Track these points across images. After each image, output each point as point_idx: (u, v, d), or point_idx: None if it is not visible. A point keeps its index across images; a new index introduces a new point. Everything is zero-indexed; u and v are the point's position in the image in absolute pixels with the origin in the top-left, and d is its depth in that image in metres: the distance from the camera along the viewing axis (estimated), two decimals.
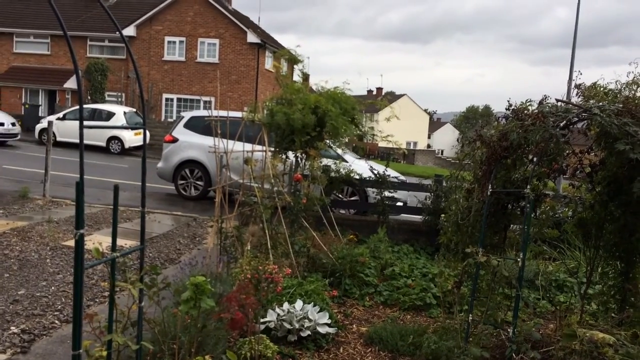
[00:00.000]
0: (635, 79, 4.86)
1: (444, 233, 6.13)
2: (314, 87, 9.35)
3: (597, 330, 4.33)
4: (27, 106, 27.39)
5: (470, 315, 4.63)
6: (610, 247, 5.21)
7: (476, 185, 5.58)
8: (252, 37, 29.51)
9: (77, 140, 2.15)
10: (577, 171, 5.88)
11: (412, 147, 59.35)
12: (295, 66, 8.97)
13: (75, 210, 2.05)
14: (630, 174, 4.70)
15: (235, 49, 29.95)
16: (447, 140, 78.43)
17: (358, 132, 8.73)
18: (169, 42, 30.49)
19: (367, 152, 30.82)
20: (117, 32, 3.51)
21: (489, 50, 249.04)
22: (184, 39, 30.30)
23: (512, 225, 6.10)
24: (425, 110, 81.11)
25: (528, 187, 4.81)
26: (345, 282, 6.14)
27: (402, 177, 11.34)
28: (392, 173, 9.60)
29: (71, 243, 7.14)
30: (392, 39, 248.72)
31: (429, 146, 71.64)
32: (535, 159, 5.09)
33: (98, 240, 7.40)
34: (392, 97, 70.09)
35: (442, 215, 7.07)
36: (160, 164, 12.19)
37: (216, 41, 30.10)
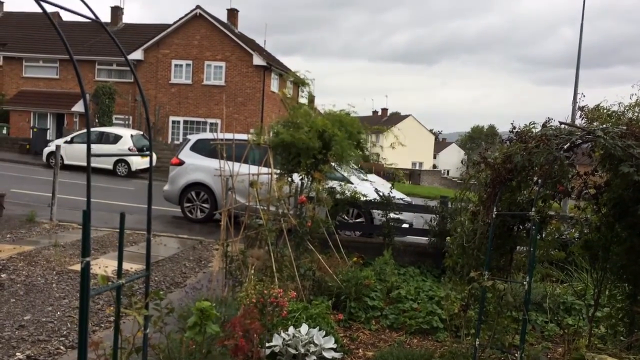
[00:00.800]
0: (638, 100, 4.88)
1: (449, 255, 6.10)
2: (319, 109, 9.41)
3: (606, 354, 4.28)
4: (35, 130, 27.68)
5: (478, 339, 4.60)
6: (618, 269, 5.17)
7: (481, 207, 5.57)
8: (257, 60, 29.82)
9: (85, 164, 2.20)
10: (583, 193, 5.87)
11: (417, 168, 59.33)
12: (301, 88, 9.07)
13: (82, 238, 2.07)
14: (635, 196, 4.69)
15: (242, 72, 30.23)
16: (452, 160, 78.40)
17: (363, 155, 8.76)
18: (175, 65, 30.83)
19: (374, 173, 30.85)
20: (124, 57, 3.57)
21: (494, 70, 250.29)
22: (190, 62, 30.64)
23: (518, 247, 6.07)
24: (431, 131, 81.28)
25: (533, 209, 4.80)
26: (350, 305, 6.11)
27: (408, 199, 11.34)
28: (397, 194, 9.61)
29: (77, 267, 7.16)
30: (398, 60, 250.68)
31: (434, 166, 71.59)
32: (540, 181, 5.08)
33: (104, 264, 7.43)
34: (397, 117, 70.27)
35: (448, 237, 7.05)
36: (166, 187, 12.25)
37: (222, 64, 30.41)
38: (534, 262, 5.12)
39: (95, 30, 31.89)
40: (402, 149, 8.50)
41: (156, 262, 7.91)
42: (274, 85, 31.44)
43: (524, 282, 4.62)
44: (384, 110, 75.48)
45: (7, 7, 37.98)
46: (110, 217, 10.69)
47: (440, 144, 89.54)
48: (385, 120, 67.71)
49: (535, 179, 5.38)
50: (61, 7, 3.38)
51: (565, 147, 4.66)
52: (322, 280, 6.54)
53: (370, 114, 72.84)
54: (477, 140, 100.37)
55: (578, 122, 5.41)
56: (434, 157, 78.66)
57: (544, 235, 5.64)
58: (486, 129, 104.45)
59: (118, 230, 2.70)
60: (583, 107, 5.28)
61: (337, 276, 6.49)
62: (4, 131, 30.11)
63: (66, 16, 34.10)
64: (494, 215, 5.20)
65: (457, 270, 5.89)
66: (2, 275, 6.66)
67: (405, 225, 10.19)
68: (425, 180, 46.06)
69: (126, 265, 7.30)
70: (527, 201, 5.60)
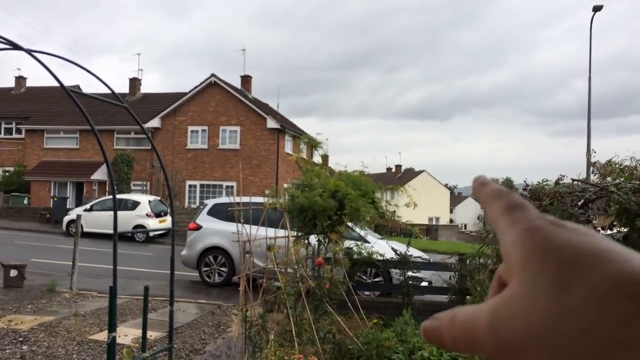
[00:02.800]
0: None
1: None
2: (334, 167, 9.58)
3: None
4: (55, 199, 28.20)
5: None
6: None
7: (499, 265, 5.55)
8: (271, 123, 30.49)
9: (104, 231, 2.29)
10: None
11: (434, 223, 58.86)
12: (315, 150, 9.26)
13: (109, 315, 2.14)
14: None
15: (256, 135, 30.87)
16: (469, 214, 77.76)
17: (378, 212, 8.82)
18: (192, 131, 31.61)
19: (390, 230, 30.69)
20: (139, 126, 3.75)
21: (508, 124, 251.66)
22: (206, 127, 31.41)
23: None
24: (446, 185, 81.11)
25: None
26: None
27: (426, 256, 11.28)
28: (414, 252, 9.57)
29: (98, 337, 7.17)
30: (411, 117, 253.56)
31: (451, 221, 70.98)
32: None
33: (124, 333, 7.42)
34: (412, 173, 70.42)
35: (468, 296, 6.98)
36: (184, 252, 12.32)
37: (237, 128, 31.12)
38: None
39: (116, 101, 32.97)
40: (416, 207, 8.55)
41: (175, 329, 7.86)
42: (288, 146, 31.99)
43: None
44: (398, 166, 75.80)
45: (30, 83, 39.53)
46: (128, 284, 10.74)
47: (456, 198, 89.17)
48: (399, 177, 67.90)
49: None
50: (85, 95, 3.59)
51: (580, 203, 4.70)
52: (342, 343, 6.47)
53: (384, 170, 73.14)
54: None
55: (592, 177, 5.46)
56: (451, 212, 78.14)
57: None
58: (502, 182, 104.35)
59: (137, 297, 2.75)
60: (595, 162, 5.34)
61: (358, 338, 6.42)
62: (25, 201, 30.73)
63: (84, 88, 35.51)
64: None
65: None
66: (23, 347, 6.69)
67: (424, 284, 10.10)
68: (442, 235, 45.65)
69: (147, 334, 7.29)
70: None
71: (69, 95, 2.76)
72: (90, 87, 36.31)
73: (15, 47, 3.21)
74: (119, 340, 7.03)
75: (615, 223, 5.63)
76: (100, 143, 2.65)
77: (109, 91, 4.32)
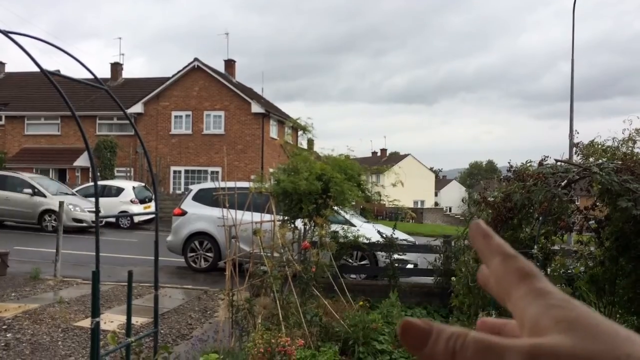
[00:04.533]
0: (631, 135, 4.98)
1: (455, 295, 6.09)
2: (320, 152, 9.57)
3: None
4: None
5: None
6: (625, 302, 5.16)
7: None
8: (256, 108, 30.27)
9: (88, 217, 2.26)
10: (584, 227, 5.90)
11: (419, 206, 59.23)
12: (304, 133, 9.23)
13: (92, 300, 2.11)
14: (637, 229, 4.73)
15: (241, 120, 30.66)
16: (454, 197, 78.37)
17: (364, 195, 8.84)
18: (175, 116, 31.29)
19: (375, 213, 30.79)
20: (122, 112, 3.69)
21: (493, 107, 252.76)
22: (190, 112, 31.11)
23: None
24: (431, 169, 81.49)
25: (536, 247, 4.82)
26: (359, 350, 6.05)
27: (411, 239, 11.34)
28: (400, 235, 9.63)
29: (83, 323, 7.12)
30: (398, 101, 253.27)
31: (436, 204, 71.48)
32: (540, 218, 5.12)
33: (109, 319, 7.39)
34: (397, 157, 70.66)
35: (453, 277, 7.05)
36: (169, 238, 12.26)
37: (222, 113, 30.87)
38: None
39: (93, 88, 32.49)
40: (403, 189, 8.58)
41: (162, 315, 7.86)
42: (273, 131, 31.85)
43: None
44: (383, 150, 75.98)
45: (9, 68, 38.70)
46: (114, 271, 10.68)
47: (441, 181, 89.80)
48: (384, 161, 68.01)
49: (535, 216, 5.42)
50: (63, 77, 3.51)
51: (563, 184, 4.73)
52: (329, 325, 6.51)
53: (370, 155, 73.29)
54: (477, 176, 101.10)
55: (575, 158, 5.50)
56: (436, 195, 78.68)
57: (548, 271, 5.65)
58: (485, 165, 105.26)
59: (122, 284, 2.73)
60: (578, 143, 5.38)
61: (344, 321, 6.46)
62: None
63: (66, 73, 34.86)
64: None
65: (464, 310, 5.86)
66: (7, 335, 6.63)
67: (410, 266, 10.18)
68: (428, 218, 46.03)
69: (132, 319, 7.26)
70: (529, 238, 5.63)
71: (47, 77, 2.70)
72: (72, 73, 35.60)
73: None
74: (104, 327, 7.02)
75: (597, 203, 5.69)
76: (81, 128, 2.60)
77: (91, 76, 4.24)
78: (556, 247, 5.57)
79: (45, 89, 32.30)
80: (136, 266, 11.97)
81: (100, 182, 23.57)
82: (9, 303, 8.09)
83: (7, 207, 18.87)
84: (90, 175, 30.09)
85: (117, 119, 31.73)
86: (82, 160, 30.40)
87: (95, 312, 2.08)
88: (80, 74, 3.58)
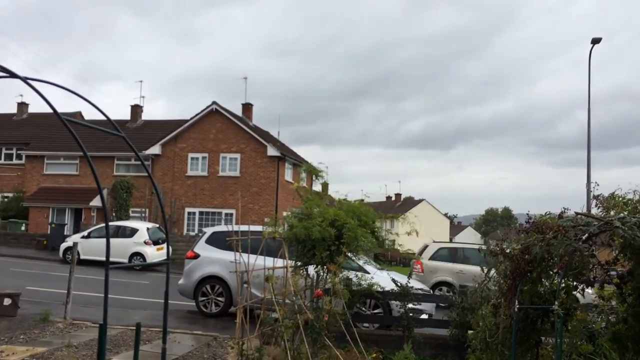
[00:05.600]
0: None
1: (472, 351, 5.89)
2: (334, 195, 9.52)
3: None
4: (53, 225, 27.97)
5: None
6: None
7: (502, 299, 5.44)
8: (272, 151, 30.47)
9: (102, 258, 2.23)
10: (605, 281, 5.72)
11: None
12: (315, 179, 9.21)
13: (97, 353, 2.05)
14: None
15: (256, 162, 30.84)
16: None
17: (378, 242, 8.70)
18: (192, 158, 31.57)
19: (389, 259, 30.41)
20: (135, 154, 3.69)
21: (509, 154, 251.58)
22: (206, 154, 31.39)
23: (543, 339, 5.84)
24: (445, 215, 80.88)
25: (556, 302, 4.67)
26: None
27: (426, 288, 11.11)
28: (415, 284, 9.43)
29: None
30: (413, 146, 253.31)
31: None
32: (560, 273, 4.98)
33: None
34: (411, 202, 70.34)
35: (469, 330, 6.83)
36: (181, 281, 12.15)
37: (237, 155, 31.11)
38: (562, 358, 4.91)
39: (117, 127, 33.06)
40: (418, 236, 8.43)
41: None
42: (288, 174, 31.97)
43: None
44: (398, 195, 75.75)
45: (32, 109, 39.62)
46: (124, 315, 10.56)
47: (456, 227, 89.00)
48: (399, 206, 67.65)
49: (555, 269, 5.26)
50: (80, 123, 3.54)
51: (584, 237, 4.61)
52: None
53: (384, 199, 73.10)
54: (492, 222, 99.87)
55: (594, 210, 5.38)
56: (450, 241, 77.96)
57: (569, 327, 5.45)
58: (500, 212, 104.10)
59: (131, 328, 2.67)
60: (598, 195, 5.26)
61: None
62: (22, 227, 30.49)
63: (87, 115, 35.60)
64: (516, 309, 5.06)
65: None
66: None
67: (424, 316, 9.93)
68: None
69: None
70: (549, 292, 5.46)
71: (63, 122, 2.72)
72: (94, 114, 36.33)
73: (12, 75, 3.18)
74: None
75: (619, 258, 5.52)
76: (94, 171, 2.60)
77: (112, 118, 4.27)
78: (576, 305, 5.40)
79: (66, 130, 32.83)
80: (146, 309, 11.85)
81: (114, 223, 23.69)
82: (17, 346, 7.98)
83: None
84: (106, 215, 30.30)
85: (134, 159, 32.11)
86: (98, 200, 30.65)
87: None
88: (101, 116, 3.61)
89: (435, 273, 16.04)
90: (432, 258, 16.49)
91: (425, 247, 17.40)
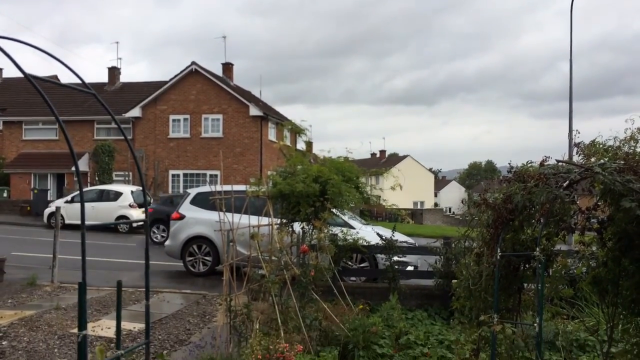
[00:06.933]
0: (634, 134, 4.90)
1: (456, 299, 6.00)
2: (318, 153, 9.48)
3: None
4: (35, 191, 27.68)
5: None
6: (629, 303, 5.08)
7: (485, 248, 5.52)
8: (254, 110, 30.18)
9: (86, 222, 2.22)
10: (586, 228, 5.81)
11: (419, 207, 59.01)
12: (298, 136, 9.15)
13: (78, 312, 2.03)
14: (639, 230, 4.65)
15: (239, 123, 30.57)
16: (453, 197, 78.05)
17: (363, 197, 8.74)
18: (173, 120, 31.20)
19: (375, 215, 30.63)
20: (110, 116, 3.62)
21: (494, 107, 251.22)
22: (188, 116, 31.02)
23: (526, 285, 5.96)
24: (430, 170, 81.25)
25: (538, 249, 4.75)
26: (359, 354, 5.97)
27: (411, 240, 11.25)
28: (400, 237, 9.54)
29: None
30: (398, 102, 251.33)
31: (436, 205, 71.29)
32: (542, 220, 5.04)
33: (106, 325, 7.31)
34: (396, 159, 70.47)
35: (454, 280, 6.96)
36: (167, 242, 12.18)
37: (220, 116, 30.78)
38: (543, 302, 5.02)
39: (95, 90, 32.39)
40: (402, 190, 8.48)
41: (159, 320, 7.78)
42: (271, 134, 31.76)
43: (534, 324, 4.53)
44: (382, 152, 75.69)
45: (6, 73, 38.52)
46: (111, 276, 10.60)
47: (441, 182, 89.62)
48: (383, 162, 67.73)
49: (537, 217, 5.33)
50: (51, 82, 3.43)
51: (565, 184, 4.65)
52: (328, 329, 6.42)
53: (369, 156, 73.10)
54: (476, 176, 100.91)
55: (575, 158, 5.42)
56: (435, 196, 78.54)
57: (550, 272, 5.56)
58: (484, 165, 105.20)
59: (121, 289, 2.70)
60: (579, 143, 5.29)
61: (344, 324, 6.38)
62: (5, 194, 30.14)
63: (64, 79, 34.69)
64: (498, 257, 5.14)
65: (465, 313, 5.78)
66: (3, 343, 6.54)
67: (410, 268, 10.10)
68: (427, 219, 45.84)
69: (129, 325, 7.18)
70: (531, 239, 5.54)
71: (30, 81, 2.62)
72: (71, 78, 35.40)
73: None
74: (101, 333, 6.93)
75: (599, 203, 5.60)
76: (66, 135, 2.55)
77: (89, 81, 4.16)
78: (557, 248, 5.49)
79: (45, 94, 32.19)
80: (133, 271, 11.89)
81: (98, 187, 23.50)
82: (5, 310, 8.00)
83: None
84: (89, 180, 29.94)
85: (114, 123, 31.64)
86: (82, 165, 30.29)
87: (82, 325, 2.00)
88: (78, 80, 3.49)
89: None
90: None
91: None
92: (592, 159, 5.29)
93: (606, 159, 5.12)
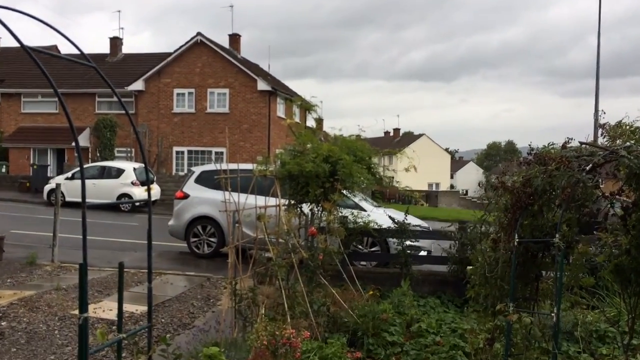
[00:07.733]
0: None
1: (471, 286, 5.79)
2: (329, 131, 9.19)
3: None
4: (35, 167, 27.30)
5: None
6: None
7: (502, 234, 5.30)
8: (262, 85, 29.51)
9: (87, 200, 2.07)
10: (610, 214, 5.57)
11: (434, 189, 57.31)
12: (308, 113, 8.86)
13: (79, 294, 1.86)
14: None
15: (246, 98, 29.96)
16: (471, 179, 74.82)
17: (375, 178, 8.48)
18: (178, 94, 30.63)
19: (387, 197, 30.11)
20: (111, 89, 3.37)
21: (516, 85, 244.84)
22: (193, 90, 30.42)
23: (544, 273, 5.75)
24: (446, 150, 78.56)
25: (557, 235, 4.51)
26: (368, 342, 5.79)
27: (425, 224, 10.95)
28: (413, 221, 9.28)
29: None
30: (414, 78, 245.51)
31: (452, 186, 69.23)
32: (562, 205, 4.80)
33: (108, 307, 7.16)
34: (410, 137, 68.64)
35: (469, 266, 6.74)
36: (171, 222, 11.97)
37: (226, 90, 30.16)
38: (562, 292, 4.80)
39: (96, 61, 31.90)
40: (416, 171, 8.18)
41: (163, 303, 7.62)
42: (280, 110, 31.15)
43: (552, 313, 4.32)
44: (396, 130, 73.19)
45: (4, 43, 36.93)
46: (113, 256, 10.44)
47: (457, 162, 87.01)
48: (397, 141, 65.93)
49: (557, 202, 5.09)
50: (50, 54, 3.16)
51: (588, 168, 4.40)
52: (337, 315, 6.24)
53: (382, 135, 71.34)
54: (495, 157, 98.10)
55: (600, 140, 5.15)
56: (451, 177, 76.21)
57: (570, 260, 5.34)
58: (504, 146, 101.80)
59: (124, 269, 2.55)
60: (604, 124, 5.02)
61: (353, 311, 6.19)
62: (3, 169, 29.77)
63: (65, 49, 33.97)
64: (515, 243, 4.92)
65: (480, 301, 5.58)
66: (2, 323, 6.40)
67: (423, 253, 9.87)
68: (443, 201, 44.43)
69: (131, 308, 7.02)
70: (550, 225, 5.30)
71: (26, 51, 2.38)
72: (71, 49, 34.72)
73: None
74: (102, 315, 6.77)
75: (624, 188, 5.33)
76: (66, 110, 2.34)
77: (90, 52, 3.88)
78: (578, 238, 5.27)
79: (43, 65, 31.67)
80: (137, 251, 11.74)
81: (100, 163, 23.25)
82: (4, 290, 7.85)
83: None
84: (90, 156, 29.59)
85: (116, 96, 31.27)
86: (82, 140, 29.91)
87: (83, 307, 1.83)
88: (75, 49, 3.23)
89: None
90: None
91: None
92: (618, 141, 5.02)
93: (633, 142, 4.86)
